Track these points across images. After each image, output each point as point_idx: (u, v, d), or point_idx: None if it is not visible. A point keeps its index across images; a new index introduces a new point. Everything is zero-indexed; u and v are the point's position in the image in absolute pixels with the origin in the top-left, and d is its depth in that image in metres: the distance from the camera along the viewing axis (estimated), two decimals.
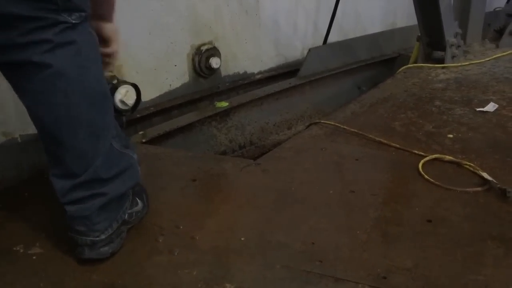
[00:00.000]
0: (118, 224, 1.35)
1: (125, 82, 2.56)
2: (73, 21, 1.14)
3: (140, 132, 2.49)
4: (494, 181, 1.66)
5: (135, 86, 2.62)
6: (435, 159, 1.89)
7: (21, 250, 1.39)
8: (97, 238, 1.28)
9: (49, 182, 1.28)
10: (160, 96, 2.90)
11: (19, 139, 2.26)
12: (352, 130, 2.19)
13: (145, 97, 2.74)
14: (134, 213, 1.44)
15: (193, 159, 2.00)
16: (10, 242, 1.42)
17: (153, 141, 2.46)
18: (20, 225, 1.53)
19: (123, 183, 1.35)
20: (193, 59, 3.01)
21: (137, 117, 2.65)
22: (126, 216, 1.39)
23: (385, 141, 2.05)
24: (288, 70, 3.54)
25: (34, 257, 1.36)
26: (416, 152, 1.94)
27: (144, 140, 2.38)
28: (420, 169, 1.80)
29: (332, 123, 2.28)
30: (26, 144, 1.97)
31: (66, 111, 1.18)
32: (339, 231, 1.45)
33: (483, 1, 3.44)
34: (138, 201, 1.47)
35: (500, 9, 3.94)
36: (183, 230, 1.47)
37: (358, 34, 3.86)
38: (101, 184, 1.28)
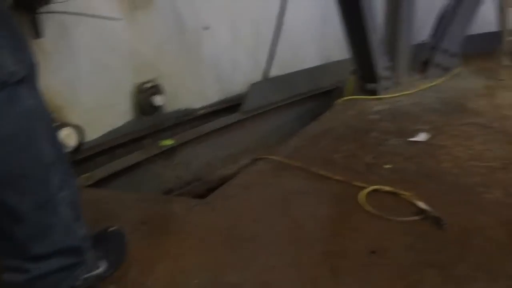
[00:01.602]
0: None
1: (66, 124, 2.55)
2: None
3: (85, 175, 2.45)
4: (430, 209, 1.77)
5: (77, 127, 2.61)
6: (375, 190, 1.99)
7: None
8: None
9: None
10: (104, 136, 2.87)
11: None
12: (296, 164, 2.26)
13: (88, 138, 2.72)
14: (92, 277, 1.35)
15: (141, 201, 2.00)
16: None
17: (98, 183, 2.43)
18: None
19: (57, 263, 1.23)
20: (136, 97, 3.02)
21: (80, 158, 2.61)
22: (78, 283, 1.30)
23: (327, 174, 2.14)
24: (231, 105, 3.61)
25: None
26: (357, 183, 2.04)
27: (89, 183, 2.34)
28: (362, 201, 1.89)
29: (277, 157, 2.35)
30: None
31: None
32: (289, 268, 1.49)
33: (409, 35, 3.69)
34: (102, 263, 1.39)
35: (425, 41, 4.23)
36: (133, 278, 1.46)
37: (296, 69, 4.01)
38: (30, 261, 1.19)
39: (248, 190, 2.05)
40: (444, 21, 3.96)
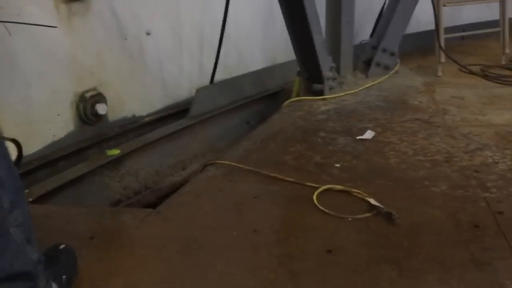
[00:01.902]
0: None
1: (3, 138, 2.40)
2: None
3: (26, 191, 2.32)
4: (381, 206, 1.80)
5: (14, 141, 2.46)
6: (327, 189, 2.01)
7: None
8: None
9: None
10: (44, 148, 2.73)
11: None
12: (248, 167, 2.25)
13: (27, 151, 2.58)
14: None
15: (89, 214, 1.91)
16: None
17: (40, 199, 2.31)
18: None
19: None
20: (77, 107, 2.90)
21: (20, 173, 2.46)
22: None
23: (279, 176, 2.14)
24: (177, 111, 3.54)
25: None
26: (309, 184, 2.05)
27: (31, 199, 2.21)
28: (315, 201, 1.90)
29: (228, 162, 2.32)
30: None
31: None
32: (248, 273, 1.47)
33: (350, 36, 3.77)
34: (53, 285, 1.31)
35: (366, 41, 4.35)
36: None
37: (241, 72, 4.00)
38: None
39: (200, 197, 2.01)
40: (382, 21, 4.08)
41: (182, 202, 1.98)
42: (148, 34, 3.34)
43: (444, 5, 3.93)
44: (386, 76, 3.86)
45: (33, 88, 2.65)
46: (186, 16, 3.62)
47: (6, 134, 2.45)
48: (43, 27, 2.52)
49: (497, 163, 2.26)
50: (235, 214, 1.88)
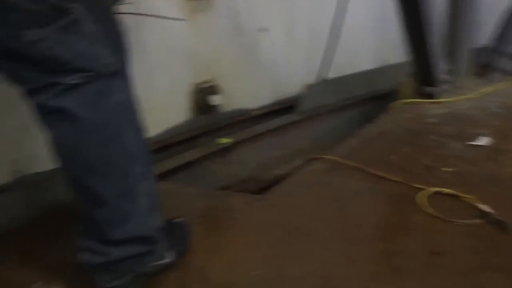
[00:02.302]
0: (131, 277, 1.33)
1: None
2: (71, 82, 1.10)
3: None
4: (493, 212, 1.73)
5: None
6: (435, 192, 1.96)
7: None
8: (106, 285, 1.31)
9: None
10: (162, 134, 2.96)
11: (34, 178, 2.31)
12: (352, 164, 2.26)
13: (148, 134, 2.82)
14: (161, 265, 1.40)
15: (201, 195, 2.06)
16: (30, 279, 1.45)
17: (158, 177, 2.51)
18: (39, 263, 1.56)
19: (131, 250, 1.29)
20: (194, 97, 3.10)
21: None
22: (148, 269, 1.36)
23: (385, 175, 2.13)
24: (285, 106, 3.63)
25: None
26: (416, 185, 2.01)
27: None
28: (421, 202, 1.87)
29: (333, 157, 2.35)
30: (41, 183, 2.02)
31: (67, 173, 1.22)
32: (349, 263, 1.50)
33: (470, 38, 3.59)
34: (170, 252, 1.43)
35: (487, 45, 4.10)
36: (196, 266, 1.51)
37: (352, 71, 3.99)
38: (107, 244, 1.26)
39: (305, 188, 2.07)
40: (506, 25, 3.83)
41: (288, 192, 2.06)
42: (263, 30, 3.46)
43: None
44: (507, 83, 3.62)
45: (156, 76, 2.88)
46: (300, 14, 3.69)
47: None
48: (170, 20, 2.73)
49: None
50: (337, 207, 1.91)
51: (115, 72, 1.17)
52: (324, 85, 3.60)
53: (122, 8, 2.53)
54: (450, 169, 2.21)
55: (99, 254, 1.28)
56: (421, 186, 2.00)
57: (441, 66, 3.29)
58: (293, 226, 1.74)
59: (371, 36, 4.29)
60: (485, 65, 3.85)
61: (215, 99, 3.14)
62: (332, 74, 3.83)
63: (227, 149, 2.96)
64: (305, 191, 2.04)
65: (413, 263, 1.49)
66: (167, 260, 1.43)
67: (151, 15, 2.57)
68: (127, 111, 1.23)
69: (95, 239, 1.27)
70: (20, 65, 1.08)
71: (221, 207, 1.93)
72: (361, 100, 3.79)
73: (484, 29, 4.28)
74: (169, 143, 2.95)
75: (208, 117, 3.20)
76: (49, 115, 1.14)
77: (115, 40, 1.19)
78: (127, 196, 1.25)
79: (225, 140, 2.96)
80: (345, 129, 3.44)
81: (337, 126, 3.59)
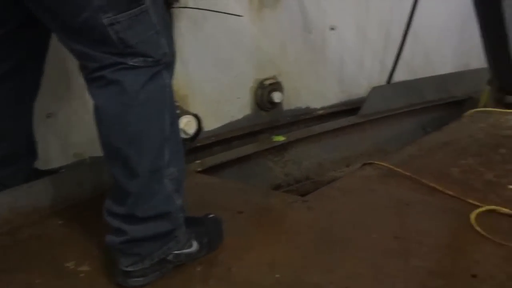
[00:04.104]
0: (154, 262, 1.36)
1: (188, 112, 2.70)
2: (133, 64, 1.22)
3: (198, 161, 2.59)
4: None
5: (196, 117, 2.75)
6: (491, 210, 1.80)
7: (72, 267, 1.49)
8: (126, 269, 1.34)
9: None
10: (222, 127, 2.99)
11: (87, 161, 2.44)
12: (406, 173, 2.14)
13: (207, 127, 2.86)
14: (183, 255, 1.43)
15: (244, 191, 2.06)
16: (64, 258, 1.53)
17: (209, 170, 2.55)
18: (77, 243, 1.64)
19: (152, 228, 1.34)
20: (255, 93, 3.10)
21: (197, 146, 2.75)
22: (169, 257, 1.39)
23: (439, 188, 1.99)
24: (351, 108, 3.53)
25: (82, 275, 1.46)
26: (471, 201, 1.86)
27: (200, 169, 2.46)
28: (473, 220, 1.72)
29: (386, 164, 2.25)
30: (93, 166, 2.13)
31: (107, 143, 1.30)
32: (376, 278, 1.42)
33: None
34: (194, 243, 1.46)
35: None
36: (220, 262, 1.51)
37: (427, 74, 3.78)
38: (129, 221, 1.32)
39: (349, 194, 1.99)
40: None
41: (331, 195, 2.00)
42: (332, 29, 3.38)
43: None
44: None
45: (220, 70, 2.92)
46: (373, 13, 3.56)
47: (191, 109, 2.76)
48: (234, 16, 2.75)
49: None
50: (380, 216, 1.82)
51: (168, 62, 1.30)
52: (393, 87, 3.45)
53: (186, 2, 2.60)
54: None
55: (121, 233, 1.33)
56: (477, 203, 1.85)
57: None
58: (327, 232, 1.68)
59: (452, 37, 4.04)
60: None
61: (278, 96, 3.12)
62: (405, 76, 3.66)
63: (283, 147, 2.93)
64: (348, 197, 1.96)
65: (447, 284, 1.38)
66: (190, 250, 1.46)
67: (211, 10, 2.59)
68: (168, 97, 1.33)
69: (120, 216, 1.33)
70: (93, 45, 1.21)
71: (260, 205, 1.92)
72: (432, 106, 3.59)
73: None
74: (229, 137, 2.98)
75: (270, 114, 3.19)
76: (103, 86, 1.25)
77: (169, 37, 1.34)
78: (157, 175, 1.33)
79: (281, 138, 2.93)
80: (411, 136, 3.28)
81: (403, 132, 3.42)
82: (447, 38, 4.00)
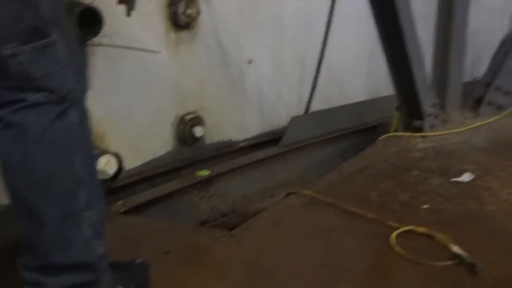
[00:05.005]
0: None
1: (107, 152, 2.62)
2: (34, 100, 1.14)
3: (120, 202, 2.50)
4: (465, 255, 1.65)
5: (116, 155, 2.67)
6: (408, 231, 1.89)
7: None
8: None
9: None
10: (144, 165, 2.93)
11: None
12: (329, 200, 2.20)
13: (128, 166, 2.78)
14: None
15: (169, 230, 2.01)
16: None
17: (133, 210, 2.47)
18: None
19: (73, 278, 1.26)
20: (177, 128, 3.08)
21: (119, 185, 2.67)
22: None
23: (360, 212, 2.06)
24: (273, 138, 3.60)
25: None
26: (390, 223, 1.95)
27: (123, 210, 2.38)
28: (393, 242, 1.80)
29: (310, 192, 2.30)
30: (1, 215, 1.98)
31: (12, 190, 1.21)
32: None
33: (459, 71, 3.57)
34: None
35: (479, 78, 4.08)
36: None
37: (342, 103, 3.97)
38: (47, 273, 1.24)
39: (276, 225, 2.01)
40: (498, 57, 3.81)
41: (258, 227, 2.00)
42: (250, 62, 3.46)
43: None
44: (498, 117, 3.57)
45: (139, 107, 2.87)
46: (288, 46, 3.70)
47: (111, 148, 2.68)
48: (151, 53, 2.74)
49: None
50: (307, 245, 1.85)
51: (75, 99, 1.23)
52: (310, 117, 3.57)
53: (102, 40, 2.55)
54: (428, 206, 2.15)
55: (40, 285, 1.23)
56: (395, 224, 1.93)
57: (428, 99, 3.26)
58: (257, 265, 1.68)
59: (362, 68, 4.29)
60: (478, 99, 3.81)
61: (199, 131, 3.11)
62: (321, 106, 3.81)
63: (207, 181, 2.91)
64: (275, 228, 1.98)
65: None
66: None
67: (128, 47, 2.56)
68: (80, 137, 1.25)
69: (36, 268, 1.24)
70: None
71: (187, 243, 1.87)
72: (349, 133, 3.76)
73: (479, 63, 4.28)
74: (152, 175, 2.92)
75: (192, 149, 3.17)
76: (2, 129, 1.16)
77: (79, 70, 1.27)
78: (71, 222, 1.23)
79: (205, 172, 2.92)
80: (331, 162, 3.40)
81: (323, 159, 3.54)
82: (358, 69, 4.24)
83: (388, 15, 2.89)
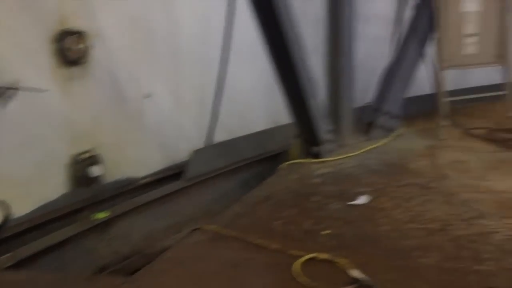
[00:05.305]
0: None
1: None
2: None
3: (8, 254, 2.27)
4: (364, 278, 1.70)
5: (2, 203, 2.45)
6: (311, 258, 1.92)
7: None
8: None
9: None
10: (35, 211, 2.71)
11: None
12: (233, 234, 2.18)
13: (17, 213, 2.56)
14: None
15: (61, 284, 1.85)
16: None
17: (22, 263, 2.26)
18: None
19: None
20: (71, 169, 2.90)
21: (7, 236, 2.43)
22: None
23: (264, 244, 2.06)
24: (176, 172, 3.52)
25: None
26: (293, 252, 1.96)
27: (10, 264, 2.16)
28: (296, 271, 1.81)
29: (214, 227, 2.26)
30: None
31: None
32: None
33: (350, 98, 3.77)
34: None
35: (369, 104, 4.34)
36: None
37: (244, 133, 4.01)
38: None
39: (179, 265, 1.94)
40: (384, 84, 4.09)
41: (161, 269, 1.92)
42: (147, 96, 3.38)
43: (443, 69, 3.91)
44: (388, 139, 3.81)
45: (28, 149, 2.67)
46: (185, 79, 3.68)
47: None
48: (38, 92, 2.57)
49: (496, 232, 2.15)
50: (211, 284, 1.80)
51: None
52: (212, 149, 3.56)
53: None
54: (329, 232, 2.20)
55: None
56: (298, 253, 1.95)
57: (323, 126, 3.39)
58: None
59: (261, 98, 4.37)
60: (369, 123, 4.04)
61: (96, 170, 2.96)
62: (222, 137, 3.81)
63: (106, 223, 2.76)
64: (179, 268, 1.91)
65: None
66: None
67: (11, 88, 2.39)
68: None
69: None
70: None
71: None
72: (252, 162, 3.80)
73: (369, 87, 4.56)
74: (43, 221, 2.70)
75: (89, 190, 2.99)
76: None
77: None
78: None
79: (102, 214, 2.76)
80: (236, 193, 3.39)
81: (228, 191, 3.53)
82: (257, 99, 4.32)
83: (280, 50, 3.00)
